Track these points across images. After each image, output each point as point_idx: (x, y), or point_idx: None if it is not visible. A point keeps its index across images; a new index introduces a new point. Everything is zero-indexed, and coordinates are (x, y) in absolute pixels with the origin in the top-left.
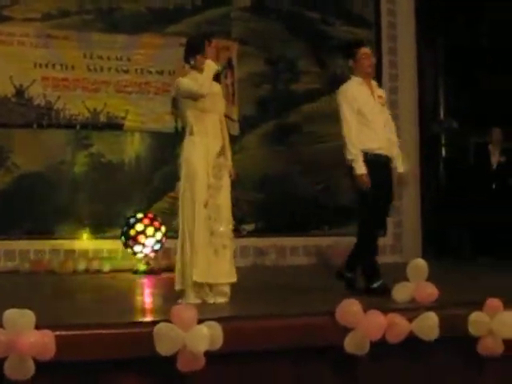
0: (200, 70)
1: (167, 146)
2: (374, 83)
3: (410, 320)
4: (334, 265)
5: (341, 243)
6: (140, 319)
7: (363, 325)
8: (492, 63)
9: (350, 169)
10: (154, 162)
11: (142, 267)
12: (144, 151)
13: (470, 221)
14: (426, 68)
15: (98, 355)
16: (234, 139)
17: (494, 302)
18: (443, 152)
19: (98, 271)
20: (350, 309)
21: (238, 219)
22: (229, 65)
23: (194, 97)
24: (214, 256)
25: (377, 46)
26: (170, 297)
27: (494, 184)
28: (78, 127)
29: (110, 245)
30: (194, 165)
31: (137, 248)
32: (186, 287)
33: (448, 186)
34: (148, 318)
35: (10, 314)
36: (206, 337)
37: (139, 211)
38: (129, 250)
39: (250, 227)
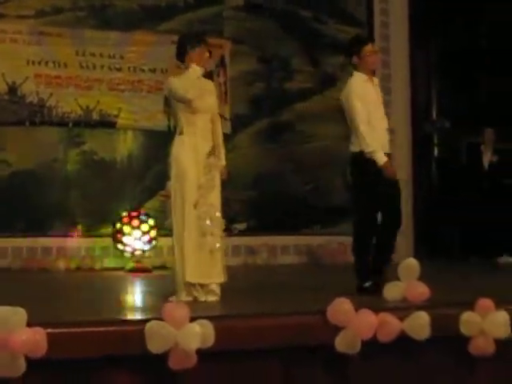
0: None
1: (160, 145)
2: (375, 80)
3: (402, 319)
4: (325, 264)
5: (332, 243)
6: (132, 317)
7: (354, 324)
8: (486, 63)
9: (356, 164)
10: (147, 160)
11: (131, 265)
12: (136, 149)
13: (462, 221)
14: (418, 68)
15: (90, 353)
16: (226, 138)
17: (485, 302)
18: (435, 152)
19: (91, 269)
20: (341, 308)
21: (230, 218)
22: (221, 63)
23: (181, 101)
24: (205, 256)
25: None
26: (161, 295)
27: (486, 184)
28: (70, 125)
29: (102, 243)
30: (183, 164)
31: (120, 246)
32: (178, 286)
33: (440, 185)
34: (140, 316)
35: (2, 311)
36: (197, 335)
37: (131, 210)
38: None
39: (241, 226)
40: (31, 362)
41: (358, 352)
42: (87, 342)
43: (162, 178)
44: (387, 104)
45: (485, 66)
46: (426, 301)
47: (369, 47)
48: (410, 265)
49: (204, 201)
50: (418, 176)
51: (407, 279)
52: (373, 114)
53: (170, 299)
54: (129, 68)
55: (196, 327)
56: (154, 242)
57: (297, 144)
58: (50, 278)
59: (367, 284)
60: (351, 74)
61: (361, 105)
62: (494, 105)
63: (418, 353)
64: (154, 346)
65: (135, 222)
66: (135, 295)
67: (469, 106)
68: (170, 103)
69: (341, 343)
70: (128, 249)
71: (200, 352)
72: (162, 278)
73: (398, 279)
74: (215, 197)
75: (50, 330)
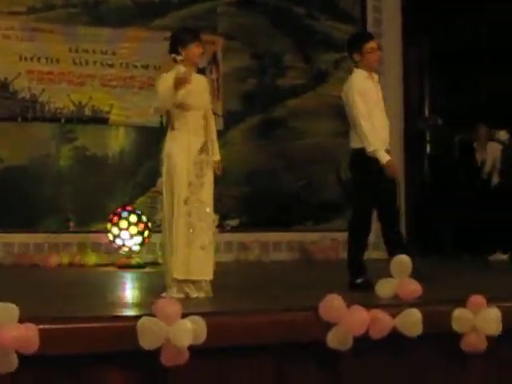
0: (185, 64)
1: (152, 141)
2: (376, 77)
3: (394, 316)
4: (317, 260)
5: (324, 239)
6: (123, 313)
7: (346, 320)
8: (479, 61)
9: (356, 161)
10: (139, 156)
11: (126, 261)
12: (129, 145)
13: (454, 218)
14: (411, 65)
15: (82, 349)
16: (218, 134)
17: (477, 299)
18: (428, 149)
19: (83, 265)
20: (333, 304)
21: (223, 215)
22: (214, 60)
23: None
24: (195, 253)
25: None
26: (153, 291)
27: (478, 181)
28: (62, 121)
29: (94, 239)
30: (174, 161)
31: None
32: (169, 282)
33: (432, 182)
34: (131, 312)
35: None
36: (189, 331)
37: (122, 205)
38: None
39: (233, 222)
40: (23, 358)
41: (350, 348)
42: (79, 338)
43: (154, 175)
44: None
45: (478, 64)
46: (418, 298)
47: (370, 44)
48: (401, 262)
49: (195, 197)
50: (411, 173)
51: (399, 276)
52: (373, 110)
53: (162, 295)
54: (121, 64)
55: (188, 323)
56: (135, 238)
57: (289, 140)
58: (42, 274)
59: (359, 280)
60: (352, 71)
61: (362, 101)
62: (487, 102)
63: (409, 349)
64: (146, 343)
65: (114, 219)
66: (127, 291)
67: (461, 103)
68: None
69: (333, 339)
70: (114, 245)
71: (192, 348)
72: (154, 274)
73: (390, 276)
74: (207, 193)
75: (41, 326)
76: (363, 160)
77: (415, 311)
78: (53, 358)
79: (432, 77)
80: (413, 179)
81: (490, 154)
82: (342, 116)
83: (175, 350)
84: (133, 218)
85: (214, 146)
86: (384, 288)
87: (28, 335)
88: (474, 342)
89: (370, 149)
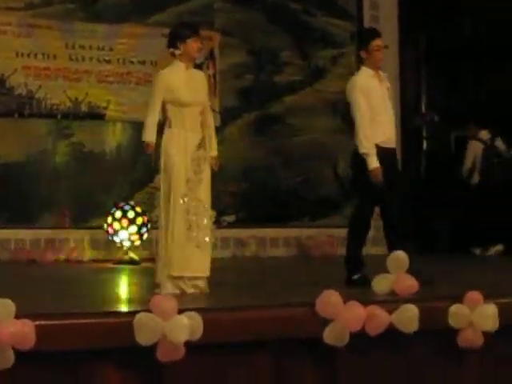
0: (182, 59)
1: None
2: (382, 74)
3: (390, 312)
4: (314, 256)
5: (321, 235)
6: (120, 309)
7: (343, 316)
8: (474, 58)
9: (356, 160)
10: (136, 152)
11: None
12: (125, 141)
13: (451, 214)
14: (408, 61)
15: (78, 345)
16: (215, 130)
17: (474, 295)
18: (424, 145)
19: (79, 261)
20: (329, 300)
21: (220, 211)
22: (211, 55)
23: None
24: (192, 249)
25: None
26: (150, 287)
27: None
28: (59, 117)
29: (91, 234)
30: (171, 157)
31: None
32: (164, 278)
33: (429, 179)
34: (128, 308)
35: None
36: (186, 327)
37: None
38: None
39: (230, 218)
40: (20, 354)
41: (347, 344)
42: (76, 334)
43: (151, 171)
44: None
45: (475, 61)
46: (415, 294)
47: (377, 42)
48: (398, 258)
49: (192, 194)
50: (407, 169)
51: (396, 272)
52: (377, 108)
53: (156, 292)
54: (118, 60)
55: (184, 319)
56: (132, 235)
57: (286, 136)
58: (39, 270)
59: (356, 276)
60: (351, 68)
61: (363, 100)
62: (485, 99)
63: (406, 345)
64: (143, 338)
65: (119, 216)
66: (123, 287)
67: (458, 99)
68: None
69: (329, 335)
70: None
71: (188, 344)
72: (151, 270)
73: (386, 272)
74: (204, 190)
75: (38, 322)
76: (364, 159)
77: (412, 307)
78: (49, 354)
79: (429, 73)
80: (409, 175)
81: (472, 152)
82: (339, 112)
83: (171, 345)
84: (130, 214)
85: (212, 142)
86: (380, 284)
87: (24, 331)
88: (470, 338)
89: (361, 150)
